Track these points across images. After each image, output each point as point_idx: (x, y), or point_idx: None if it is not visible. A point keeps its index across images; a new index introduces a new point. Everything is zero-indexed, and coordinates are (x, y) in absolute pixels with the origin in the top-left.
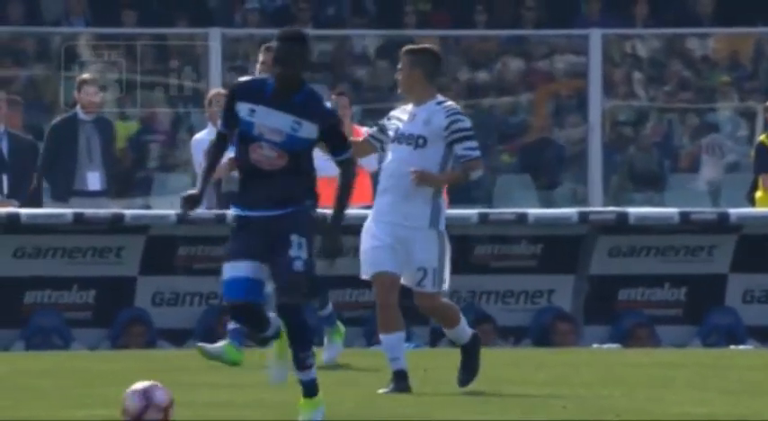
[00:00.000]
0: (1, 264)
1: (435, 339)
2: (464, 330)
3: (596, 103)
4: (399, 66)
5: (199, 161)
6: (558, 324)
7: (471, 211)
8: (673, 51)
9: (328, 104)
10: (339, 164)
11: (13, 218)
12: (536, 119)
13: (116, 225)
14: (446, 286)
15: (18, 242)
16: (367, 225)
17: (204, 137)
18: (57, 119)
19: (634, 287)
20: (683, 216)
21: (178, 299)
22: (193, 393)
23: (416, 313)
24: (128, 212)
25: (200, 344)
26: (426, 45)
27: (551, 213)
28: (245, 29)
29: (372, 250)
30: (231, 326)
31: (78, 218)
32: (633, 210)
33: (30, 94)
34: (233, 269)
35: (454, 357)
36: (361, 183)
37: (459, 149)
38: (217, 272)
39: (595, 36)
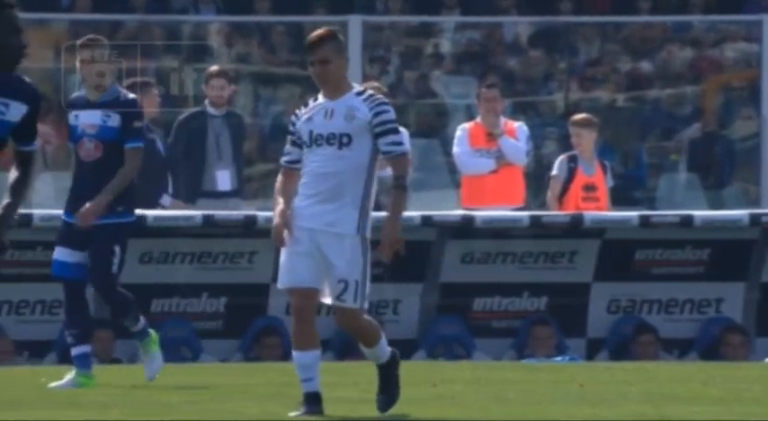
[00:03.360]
0: (126, 269)
1: (592, 352)
2: (383, 349)
3: None
4: (315, 57)
5: None
6: (727, 336)
7: (632, 214)
8: None
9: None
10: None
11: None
12: (704, 112)
13: (249, 228)
14: (366, 304)
15: (145, 246)
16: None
17: None
18: (184, 114)
19: None
20: None
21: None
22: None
23: (572, 324)
24: (261, 214)
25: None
26: (329, 27)
27: (720, 216)
28: (387, 16)
29: (290, 257)
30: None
31: (208, 220)
32: None
33: None
34: None
35: (612, 372)
36: (513, 182)
37: (382, 145)
38: None
39: None
